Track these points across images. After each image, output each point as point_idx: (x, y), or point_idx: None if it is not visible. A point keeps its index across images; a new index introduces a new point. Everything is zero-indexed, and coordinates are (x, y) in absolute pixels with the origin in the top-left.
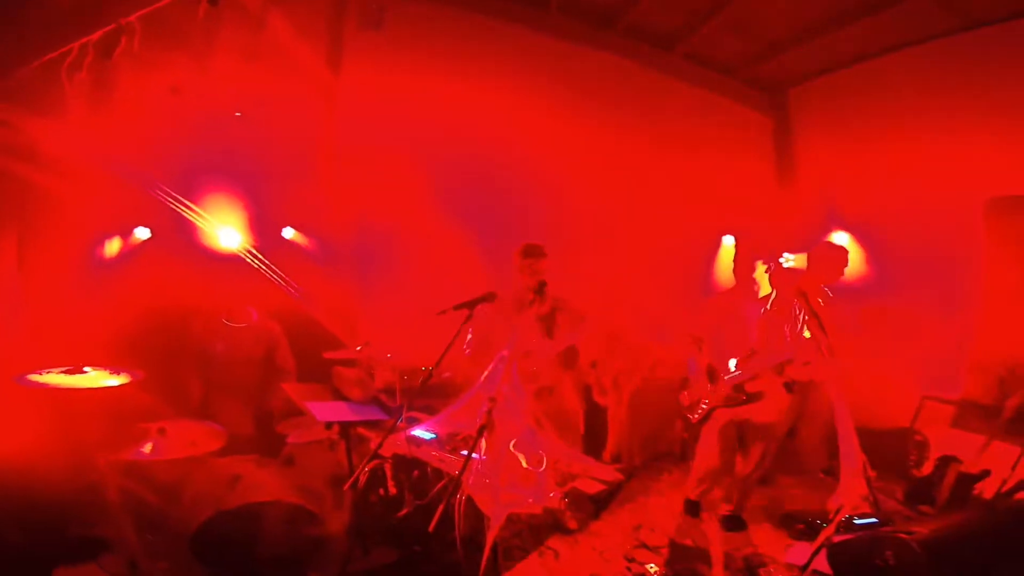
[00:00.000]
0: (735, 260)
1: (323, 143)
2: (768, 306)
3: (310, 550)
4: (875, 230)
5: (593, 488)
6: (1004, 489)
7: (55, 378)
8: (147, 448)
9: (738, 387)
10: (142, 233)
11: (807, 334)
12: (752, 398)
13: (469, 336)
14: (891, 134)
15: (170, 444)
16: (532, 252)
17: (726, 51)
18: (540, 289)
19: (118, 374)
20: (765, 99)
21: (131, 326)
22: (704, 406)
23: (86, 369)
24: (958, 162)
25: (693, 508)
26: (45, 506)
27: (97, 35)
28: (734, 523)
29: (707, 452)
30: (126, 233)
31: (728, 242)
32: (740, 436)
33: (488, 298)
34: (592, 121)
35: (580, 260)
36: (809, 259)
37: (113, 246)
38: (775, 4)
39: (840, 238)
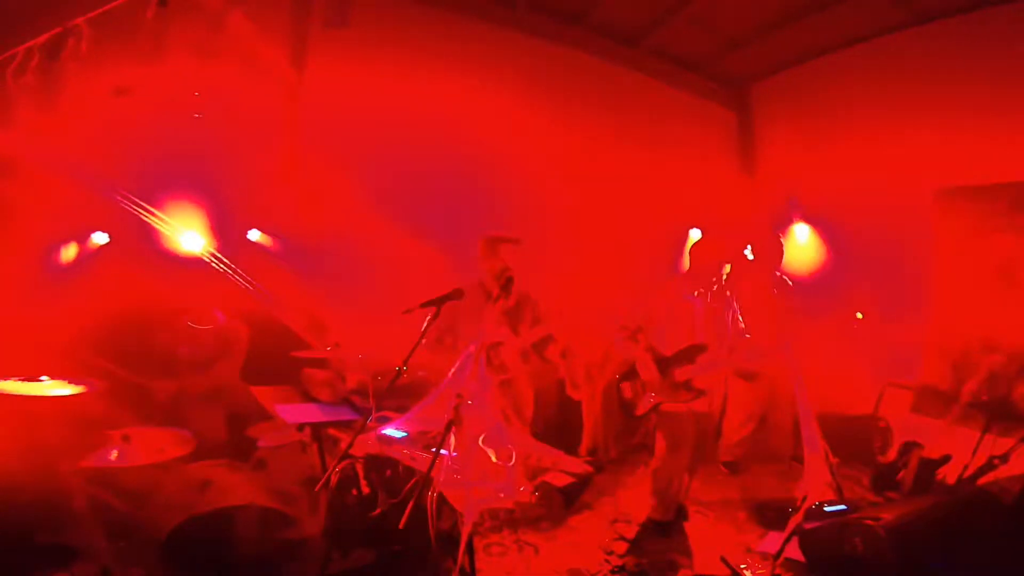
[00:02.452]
0: (697, 252)
1: (288, 143)
2: (713, 297)
3: (286, 553)
4: (834, 221)
5: (562, 481)
6: (966, 474)
7: (12, 385)
8: (113, 455)
9: (688, 383)
10: (99, 238)
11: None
12: (700, 394)
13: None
14: (848, 127)
15: (136, 451)
16: (496, 242)
17: (691, 47)
18: (506, 282)
19: (76, 383)
20: (729, 94)
21: (91, 332)
22: (652, 400)
23: (42, 378)
24: (912, 153)
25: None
26: (10, 514)
27: (43, 38)
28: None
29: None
30: (82, 238)
31: (695, 235)
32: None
33: (455, 295)
34: (560, 116)
35: (550, 253)
36: (756, 250)
37: (69, 251)
38: (738, 0)
39: (801, 230)
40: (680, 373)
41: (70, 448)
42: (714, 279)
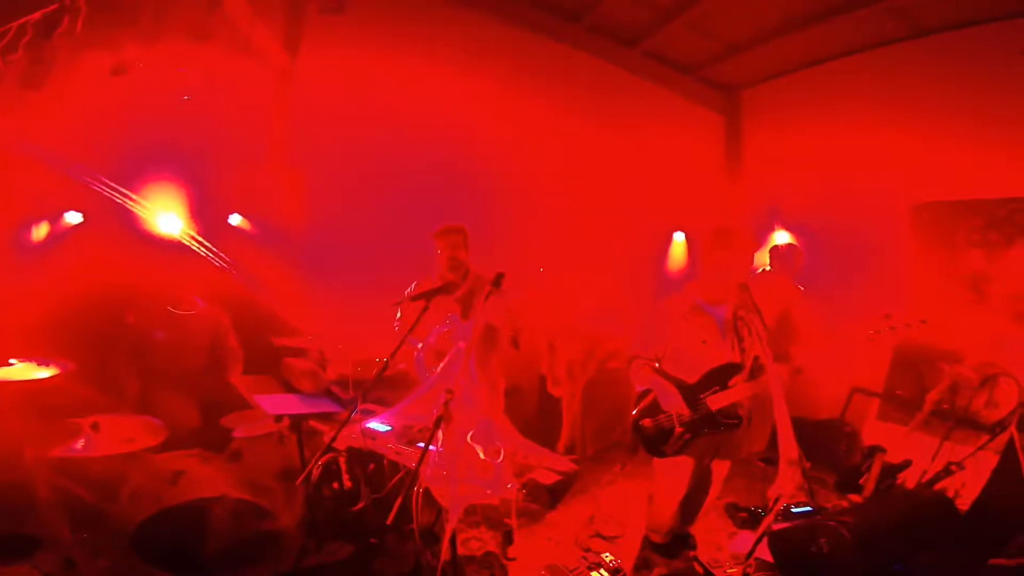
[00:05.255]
0: (715, 253)
1: (276, 128)
2: (737, 305)
3: (259, 545)
4: (814, 228)
5: (549, 479)
6: (925, 479)
7: None
8: (80, 444)
9: (727, 410)
10: (73, 217)
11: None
12: (741, 422)
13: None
14: (835, 136)
15: (104, 440)
16: (448, 232)
17: (686, 50)
18: (456, 269)
19: (46, 366)
20: (719, 98)
21: (63, 314)
22: (685, 437)
23: (12, 361)
24: (893, 165)
25: (670, 550)
26: None
27: (38, 14)
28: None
29: (676, 486)
30: (55, 217)
31: (679, 238)
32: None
33: (446, 288)
34: (552, 112)
35: (537, 249)
36: (772, 257)
37: (40, 231)
38: (736, 7)
39: (780, 236)
40: (714, 401)
41: (37, 435)
42: (734, 283)
